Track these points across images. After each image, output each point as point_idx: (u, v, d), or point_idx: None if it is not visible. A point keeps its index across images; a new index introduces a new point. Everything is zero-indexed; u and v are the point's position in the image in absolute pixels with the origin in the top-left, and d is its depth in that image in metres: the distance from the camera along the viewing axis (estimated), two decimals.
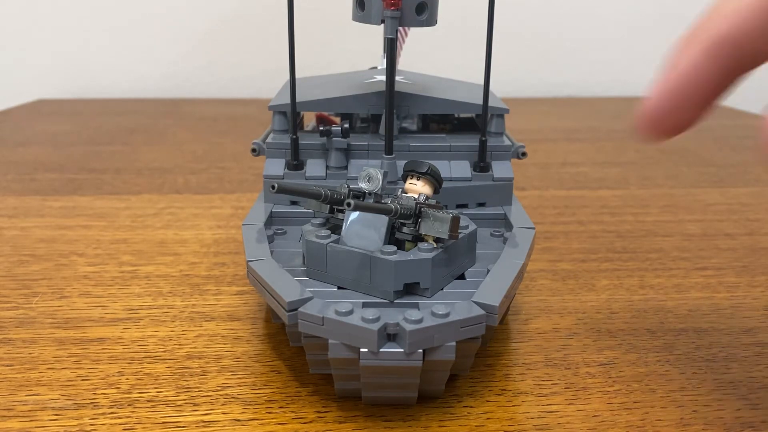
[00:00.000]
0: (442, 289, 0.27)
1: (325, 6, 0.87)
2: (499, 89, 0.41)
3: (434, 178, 0.29)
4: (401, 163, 0.35)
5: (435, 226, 0.26)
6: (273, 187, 0.23)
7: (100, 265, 0.40)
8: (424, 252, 0.26)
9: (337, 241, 0.27)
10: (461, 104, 0.37)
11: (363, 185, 0.28)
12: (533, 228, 0.33)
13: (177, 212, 0.50)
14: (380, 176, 0.27)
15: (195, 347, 0.31)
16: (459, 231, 0.28)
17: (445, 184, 0.32)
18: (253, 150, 0.36)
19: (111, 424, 0.26)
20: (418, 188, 0.29)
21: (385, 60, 0.33)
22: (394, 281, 0.26)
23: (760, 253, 0.43)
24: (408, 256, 0.26)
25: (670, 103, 0.20)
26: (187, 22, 1.03)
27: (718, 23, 0.19)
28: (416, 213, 0.27)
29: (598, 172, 0.62)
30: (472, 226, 0.29)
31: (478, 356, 0.29)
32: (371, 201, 0.28)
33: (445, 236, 0.26)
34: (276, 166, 0.36)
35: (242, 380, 0.29)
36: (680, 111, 0.21)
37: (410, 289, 0.27)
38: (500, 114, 0.37)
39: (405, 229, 0.27)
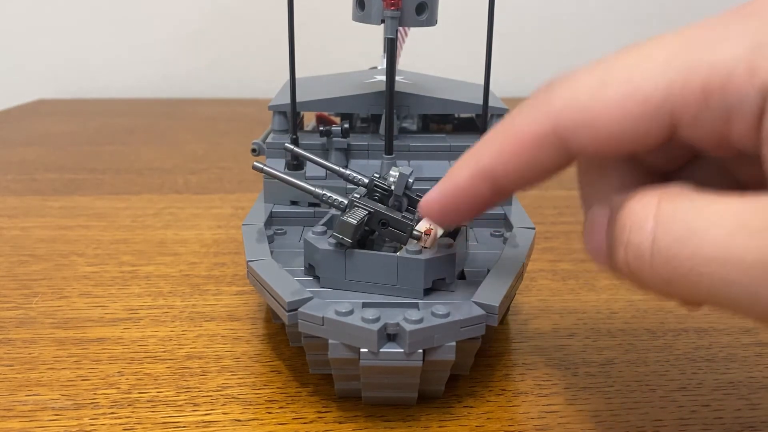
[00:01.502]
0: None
1: (325, 6, 0.87)
2: (499, 89, 0.41)
3: None
4: (401, 163, 0.36)
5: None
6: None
7: (100, 265, 0.40)
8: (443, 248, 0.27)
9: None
10: (461, 104, 0.37)
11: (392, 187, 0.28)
12: (533, 228, 0.33)
13: (177, 212, 0.50)
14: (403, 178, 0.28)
15: (195, 347, 0.31)
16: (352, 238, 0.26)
17: None
18: (253, 150, 0.36)
19: (111, 424, 0.26)
20: None
21: (385, 60, 0.33)
22: (424, 279, 0.26)
23: None
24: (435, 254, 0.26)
25: (441, 208, 0.23)
26: (188, 22, 1.03)
27: (482, 154, 0.22)
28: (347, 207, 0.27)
29: None
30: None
31: (478, 356, 0.29)
32: (392, 201, 0.28)
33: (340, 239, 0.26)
34: (276, 166, 0.36)
35: (242, 380, 0.29)
36: (451, 216, 0.24)
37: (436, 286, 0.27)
38: (500, 114, 0.37)
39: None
